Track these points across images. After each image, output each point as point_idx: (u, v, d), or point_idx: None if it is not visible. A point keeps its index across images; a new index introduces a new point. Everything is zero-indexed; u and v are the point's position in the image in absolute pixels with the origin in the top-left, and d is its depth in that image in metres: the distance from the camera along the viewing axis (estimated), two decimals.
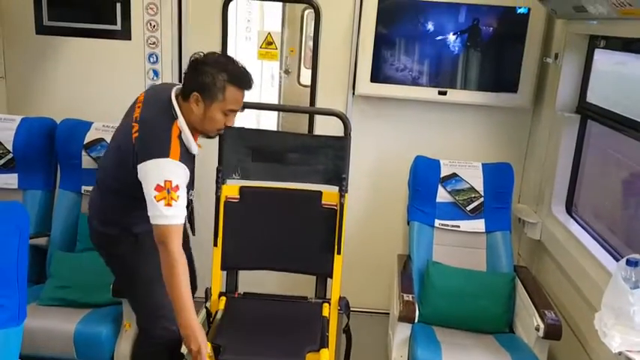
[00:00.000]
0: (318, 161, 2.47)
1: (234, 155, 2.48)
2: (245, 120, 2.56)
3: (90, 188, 2.77)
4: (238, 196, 2.52)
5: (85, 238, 2.69)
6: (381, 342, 2.99)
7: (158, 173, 1.83)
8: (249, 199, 2.53)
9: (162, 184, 1.81)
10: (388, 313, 3.02)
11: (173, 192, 1.81)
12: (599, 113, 2.61)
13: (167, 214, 1.82)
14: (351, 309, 2.54)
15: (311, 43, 3.16)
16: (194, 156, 2.08)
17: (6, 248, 1.54)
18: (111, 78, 3.22)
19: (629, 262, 1.90)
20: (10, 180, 2.79)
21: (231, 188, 2.52)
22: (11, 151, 2.77)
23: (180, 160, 1.89)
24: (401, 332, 2.44)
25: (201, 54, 2.05)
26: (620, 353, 1.80)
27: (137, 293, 2.20)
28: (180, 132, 1.96)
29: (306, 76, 4.97)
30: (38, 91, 3.26)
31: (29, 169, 2.79)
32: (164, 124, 1.95)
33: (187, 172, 1.93)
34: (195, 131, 2.05)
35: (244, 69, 2.03)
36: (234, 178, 2.50)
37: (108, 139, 2.77)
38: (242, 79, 2.00)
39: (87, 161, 2.78)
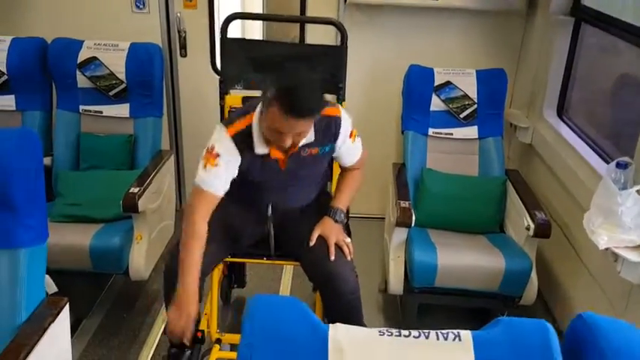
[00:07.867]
0: (315, 70, 2.48)
1: (236, 66, 2.47)
2: (230, 28, 2.51)
3: (88, 107, 2.81)
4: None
5: (88, 156, 2.77)
6: (376, 244, 3.16)
7: (212, 138, 1.85)
8: None
9: (210, 148, 1.83)
10: (382, 218, 3.16)
11: (213, 158, 1.81)
12: (593, 16, 2.61)
13: (200, 174, 1.84)
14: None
15: None
16: (262, 161, 1.89)
17: (26, 174, 1.60)
18: None
19: (618, 165, 2.00)
20: (8, 102, 2.78)
21: (235, 98, 2.51)
22: (6, 72, 2.73)
23: (233, 138, 1.83)
24: (398, 236, 2.57)
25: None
26: (607, 249, 1.92)
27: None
28: (251, 124, 1.84)
29: None
30: (23, 7, 3.16)
31: (25, 91, 2.78)
32: (248, 108, 1.88)
33: (238, 158, 1.85)
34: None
35: (300, 95, 1.68)
36: (237, 89, 2.50)
37: (100, 57, 2.75)
38: (288, 102, 1.67)
39: (82, 80, 2.76)
